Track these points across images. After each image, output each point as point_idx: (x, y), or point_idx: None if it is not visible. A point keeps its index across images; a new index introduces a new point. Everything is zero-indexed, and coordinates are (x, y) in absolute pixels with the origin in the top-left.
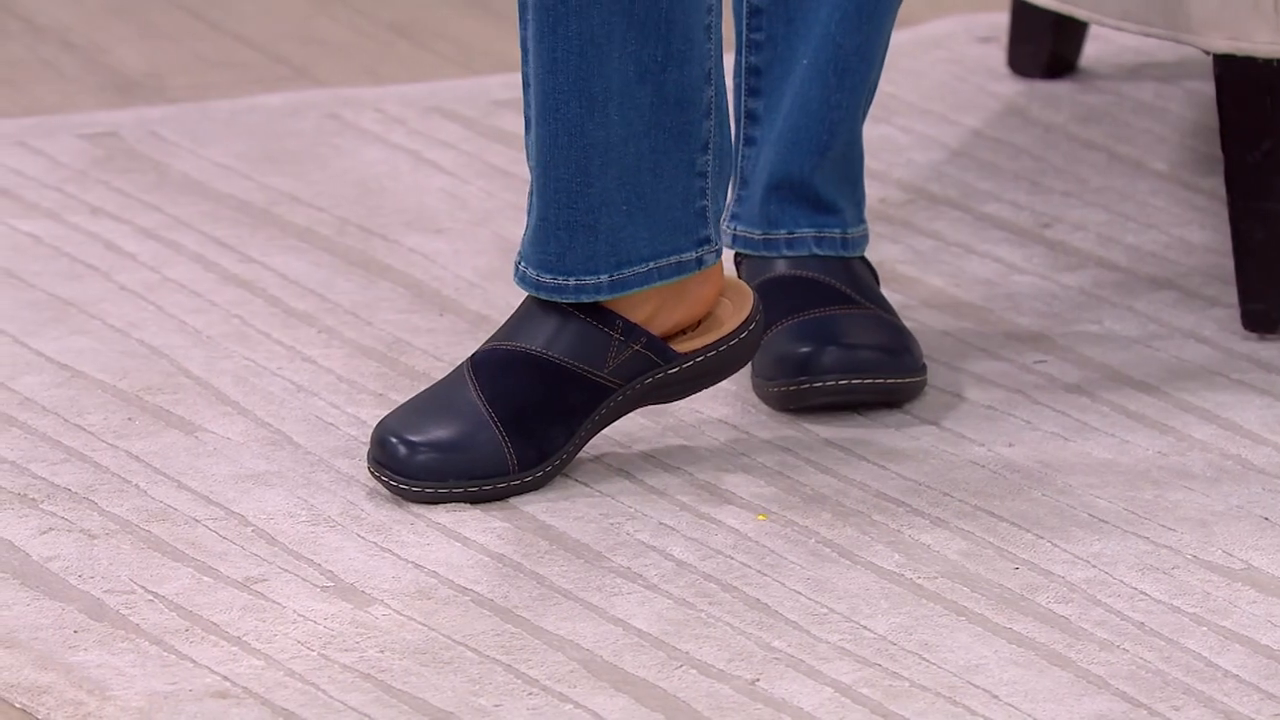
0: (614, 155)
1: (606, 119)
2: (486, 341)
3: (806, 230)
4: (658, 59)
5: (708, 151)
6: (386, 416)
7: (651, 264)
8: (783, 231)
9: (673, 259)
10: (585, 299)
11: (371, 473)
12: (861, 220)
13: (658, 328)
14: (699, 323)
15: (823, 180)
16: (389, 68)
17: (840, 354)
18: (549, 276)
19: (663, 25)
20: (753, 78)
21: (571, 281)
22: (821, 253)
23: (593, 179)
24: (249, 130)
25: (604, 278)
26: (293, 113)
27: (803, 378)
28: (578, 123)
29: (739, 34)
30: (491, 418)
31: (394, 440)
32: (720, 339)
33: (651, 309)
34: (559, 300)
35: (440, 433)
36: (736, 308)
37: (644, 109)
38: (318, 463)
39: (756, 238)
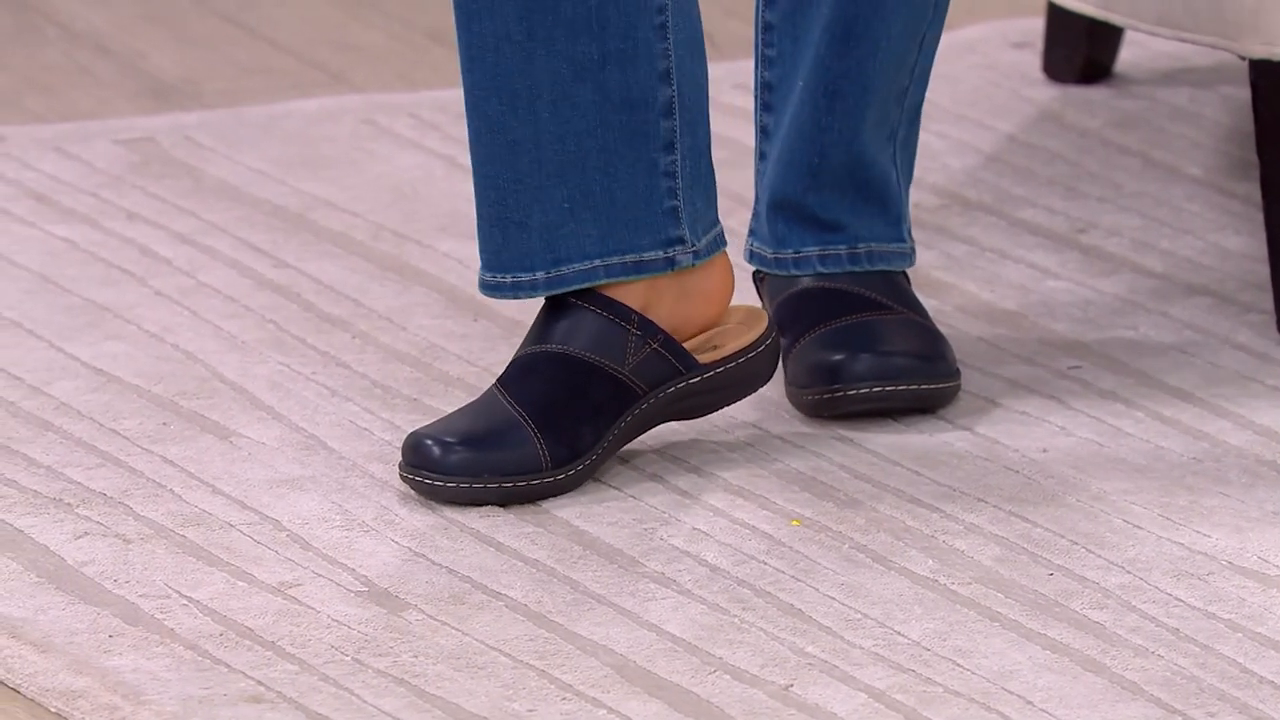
0: (547, 153)
1: (534, 116)
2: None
3: (811, 249)
4: (594, 57)
5: (673, 152)
6: (417, 429)
7: (598, 261)
8: (789, 251)
9: (629, 257)
10: (523, 296)
11: (405, 477)
12: (892, 238)
13: (664, 326)
14: (713, 344)
15: (819, 201)
16: (423, 73)
17: (873, 361)
18: (489, 274)
19: (594, 24)
20: (766, 93)
21: (508, 279)
22: (826, 270)
23: (522, 176)
24: (284, 136)
25: (540, 274)
26: (327, 118)
27: (836, 385)
28: (499, 120)
29: (756, 49)
30: (522, 416)
31: (428, 442)
32: (738, 351)
33: (640, 302)
34: (497, 297)
35: (473, 431)
36: (750, 330)
37: (585, 107)
38: (352, 468)
39: (769, 256)
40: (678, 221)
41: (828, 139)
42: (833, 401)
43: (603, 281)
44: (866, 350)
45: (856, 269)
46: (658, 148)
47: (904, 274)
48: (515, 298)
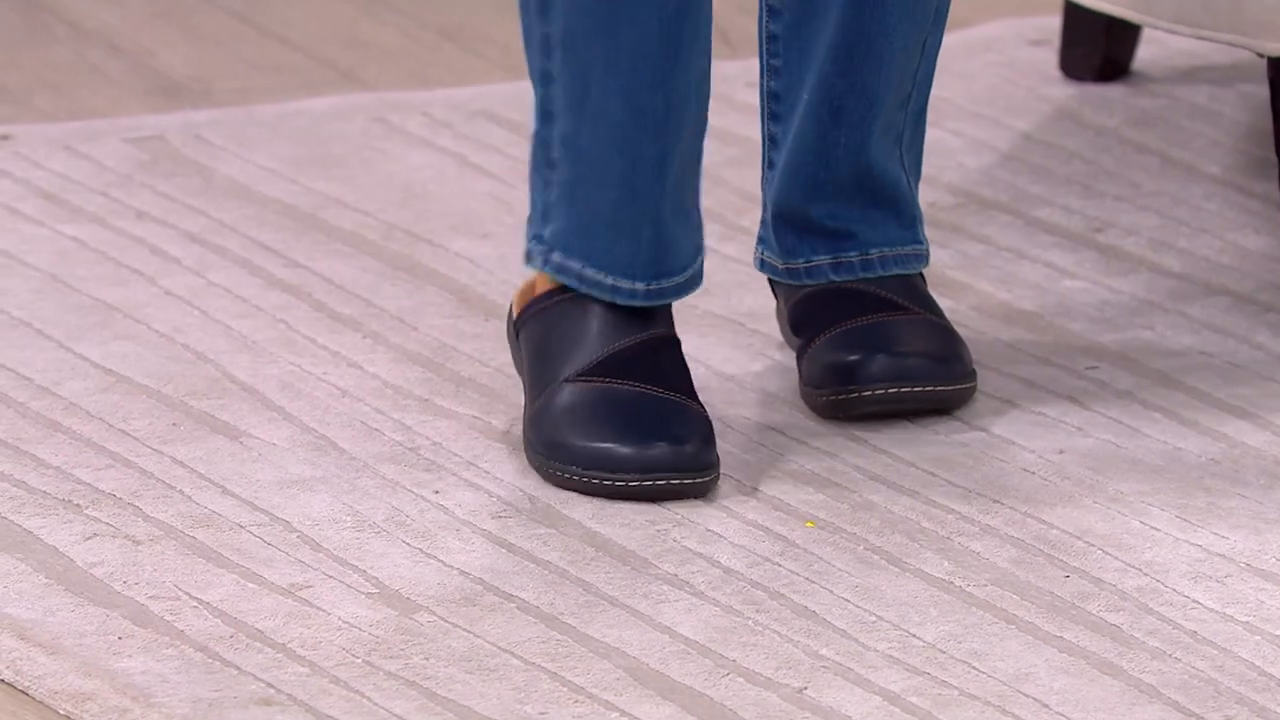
0: (666, 169)
1: (664, 132)
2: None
3: (823, 258)
4: (703, 70)
5: (699, 155)
6: (602, 436)
7: (690, 271)
8: (800, 261)
9: (693, 268)
10: (621, 300)
11: (657, 484)
12: (907, 240)
13: None
14: None
15: (828, 212)
16: (435, 71)
17: (889, 362)
18: (608, 277)
19: (705, 38)
20: (773, 102)
21: (609, 280)
22: (838, 279)
23: (639, 191)
24: (295, 134)
25: (639, 285)
26: (339, 116)
27: (851, 387)
28: (623, 132)
29: (761, 58)
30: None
31: (667, 445)
32: None
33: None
34: (602, 296)
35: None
36: None
37: (691, 120)
38: (363, 468)
39: (780, 266)
40: (699, 226)
41: (835, 154)
42: (847, 403)
43: (686, 295)
44: (882, 351)
45: (870, 275)
46: (700, 151)
47: (920, 274)
48: (613, 300)
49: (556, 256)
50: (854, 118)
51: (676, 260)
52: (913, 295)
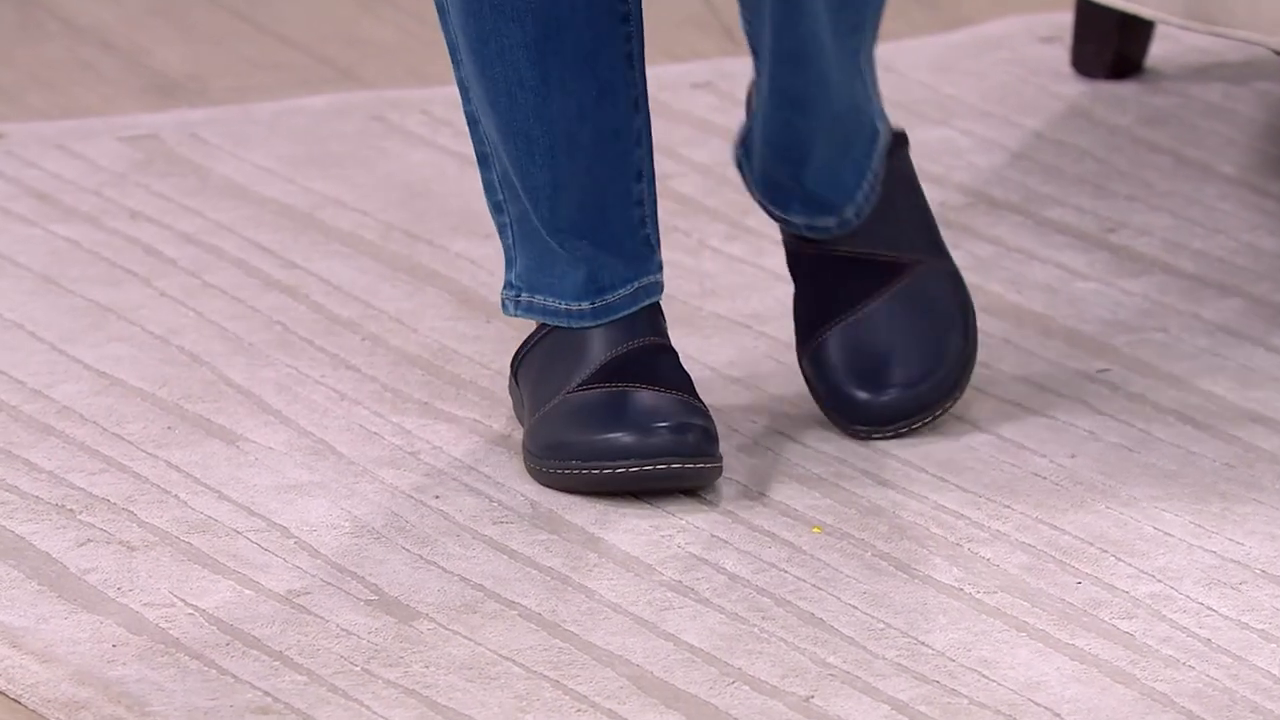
0: (562, 197)
1: (553, 162)
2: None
3: (797, 218)
4: (593, 95)
5: (641, 180)
6: (617, 425)
7: (636, 284)
8: (777, 210)
9: (646, 280)
10: (573, 324)
11: (670, 466)
12: (870, 144)
13: None
14: None
15: (795, 176)
16: (435, 69)
17: (900, 396)
18: (535, 297)
19: (591, 60)
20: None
21: (560, 305)
22: (815, 238)
23: (544, 219)
24: (292, 133)
25: (585, 304)
26: (337, 115)
27: (860, 426)
28: (518, 164)
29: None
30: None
31: (664, 426)
32: None
33: None
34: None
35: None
36: None
37: (587, 146)
38: (361, 473)
39: (757, 197)
40: (653, 249)
41: (801, 135)
42: (855, 435)
43: (645, 303)
44: (890, 384)
45: (846, 232)
46: (632, 177)
47: (902, 145)
48: (569, 325)
49: (524, 297)
50: (816, 105)
51: (612, 276)
52: (897, 231)
